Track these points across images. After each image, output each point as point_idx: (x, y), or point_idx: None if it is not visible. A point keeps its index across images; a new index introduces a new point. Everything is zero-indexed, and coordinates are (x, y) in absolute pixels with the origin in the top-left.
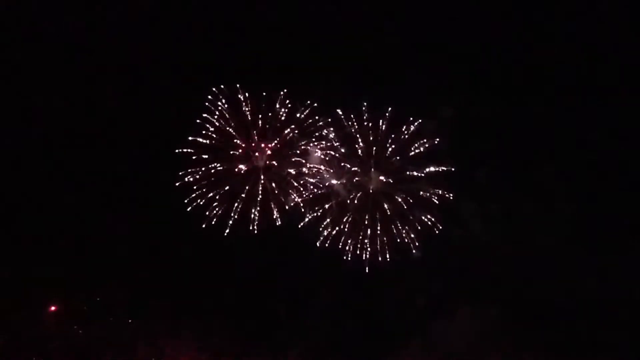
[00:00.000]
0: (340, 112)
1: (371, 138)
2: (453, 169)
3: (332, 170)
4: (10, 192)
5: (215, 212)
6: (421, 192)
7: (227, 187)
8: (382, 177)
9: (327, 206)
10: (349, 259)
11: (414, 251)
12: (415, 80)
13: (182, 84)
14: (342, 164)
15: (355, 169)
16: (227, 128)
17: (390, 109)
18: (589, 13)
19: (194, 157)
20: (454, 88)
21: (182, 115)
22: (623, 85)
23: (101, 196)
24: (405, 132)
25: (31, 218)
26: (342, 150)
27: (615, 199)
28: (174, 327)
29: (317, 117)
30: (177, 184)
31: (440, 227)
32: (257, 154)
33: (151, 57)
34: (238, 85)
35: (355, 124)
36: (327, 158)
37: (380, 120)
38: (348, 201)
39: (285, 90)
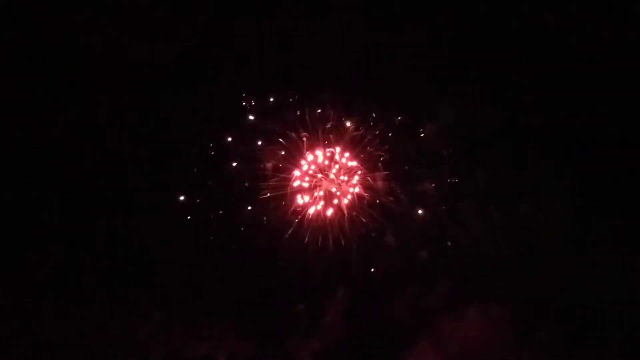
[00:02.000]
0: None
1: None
2: (457, 170)
3: (335, 174)
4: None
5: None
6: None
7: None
8: (387, 181)
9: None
10: (356, 260)
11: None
12: (415, 82)
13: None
14: (350, 169)
15: (360, 172)
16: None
17: (399, 118)
18: (588, 13)
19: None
20: (457, 89)
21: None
22: (624, 86)
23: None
24: (412, 135)
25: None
26: (348, 154)
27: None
28: (190, 328)
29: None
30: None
31: (446, 228)
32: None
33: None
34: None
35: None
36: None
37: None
38: (355, 203)
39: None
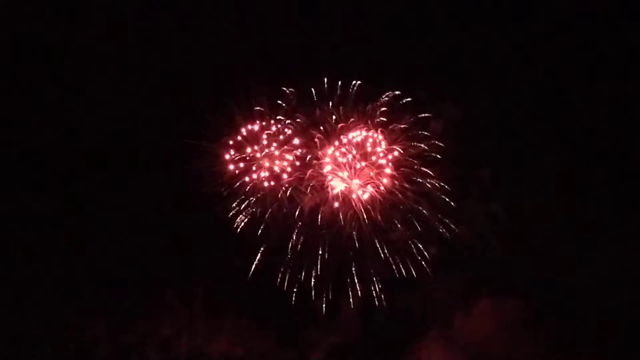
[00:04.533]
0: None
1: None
2: (461, 167)
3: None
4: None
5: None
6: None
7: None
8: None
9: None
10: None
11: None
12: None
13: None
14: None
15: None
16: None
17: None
18: (588, 12)
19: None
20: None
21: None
22: (625, 83)
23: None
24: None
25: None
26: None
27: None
28: (210, 323)
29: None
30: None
31: (453, 226)
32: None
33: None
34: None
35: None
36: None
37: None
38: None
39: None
